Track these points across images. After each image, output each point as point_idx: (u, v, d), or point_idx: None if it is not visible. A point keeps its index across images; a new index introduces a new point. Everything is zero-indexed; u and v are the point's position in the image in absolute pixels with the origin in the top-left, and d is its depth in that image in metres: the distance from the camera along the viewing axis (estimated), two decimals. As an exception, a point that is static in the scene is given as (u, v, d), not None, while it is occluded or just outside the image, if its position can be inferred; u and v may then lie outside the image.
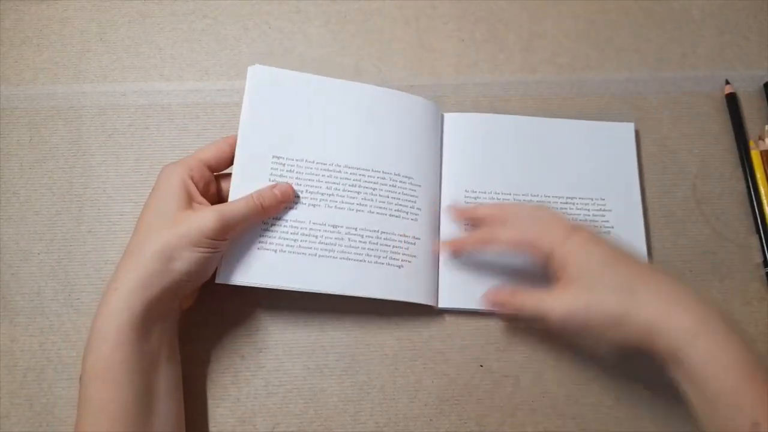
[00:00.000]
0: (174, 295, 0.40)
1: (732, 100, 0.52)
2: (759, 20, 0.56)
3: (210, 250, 0.39)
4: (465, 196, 0.48)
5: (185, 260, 0.39)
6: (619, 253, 0.40)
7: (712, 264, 0.48)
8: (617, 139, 0.51)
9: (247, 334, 0.46)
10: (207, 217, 0.39)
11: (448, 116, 0.51)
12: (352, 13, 0.56)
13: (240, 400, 0.44)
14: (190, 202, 0.41)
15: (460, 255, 0.47)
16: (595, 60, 0.55)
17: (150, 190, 0.43)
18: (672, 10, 0.57)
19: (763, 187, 0.49)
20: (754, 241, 0.49)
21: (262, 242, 0.43)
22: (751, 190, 0.49)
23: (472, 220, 0.47)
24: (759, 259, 0.48)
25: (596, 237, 0.41)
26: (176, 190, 0.41)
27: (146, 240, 0.39)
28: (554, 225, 0.41)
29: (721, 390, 0.33)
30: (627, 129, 0.51)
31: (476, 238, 0.45)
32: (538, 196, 0.49)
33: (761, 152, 0.50)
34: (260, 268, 0.43)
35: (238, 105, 0.51)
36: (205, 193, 0.43)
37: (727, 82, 0.53)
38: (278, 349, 0.45)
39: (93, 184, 0.50)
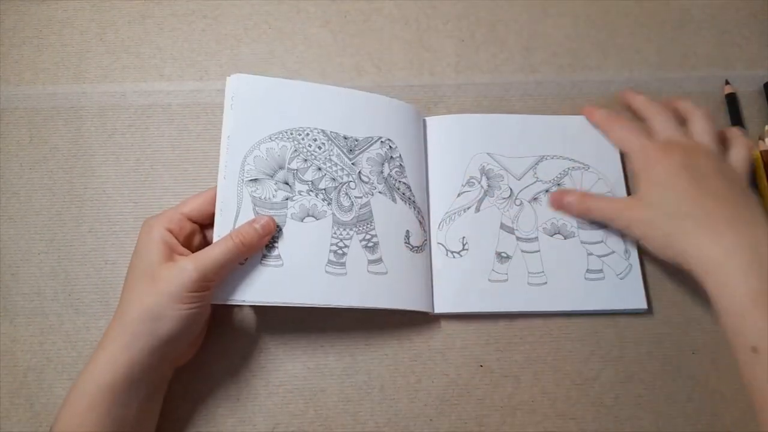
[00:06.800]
0: (162, 357, 0.38)
1: (732, 100, 0.52)
2: (759, 20, 0.56)
3: (194, 305, 0.38)
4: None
5: (170, 319, 0.37)
6: (694, 180, 0.42)
7: (712, 264, 0.48)
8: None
9: (247, 334, 0.46)
10: (185, 268, 0.38)
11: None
12: (352, 13, 0.56)
13: (240, 400, 0.44)
14: (171, 254, 0.39)
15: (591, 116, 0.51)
16: (595, 60, 0.55)
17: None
18: (672, 10, 0.57)
19: (764, 188, 0.49)
20: (754, 241, 0.49)
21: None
22: (751, 190, 0.49)
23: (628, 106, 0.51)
24: (759, 259, 0.48)
25: (681, 166, 0.43)
26: (155, 244, 0.39)
27: (130, 302, 0.38)
28: (649, 147, 0.45)
29: (730, 314, 0.38)
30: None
31: (606, 116, 0.50)
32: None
33: (761, 152, 0.50)
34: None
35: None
36: (188, 245, 0.41)
37: (727, 82, 0.53)
38: (278, 349, 0.45)
39: (93, 184, 0.50)
